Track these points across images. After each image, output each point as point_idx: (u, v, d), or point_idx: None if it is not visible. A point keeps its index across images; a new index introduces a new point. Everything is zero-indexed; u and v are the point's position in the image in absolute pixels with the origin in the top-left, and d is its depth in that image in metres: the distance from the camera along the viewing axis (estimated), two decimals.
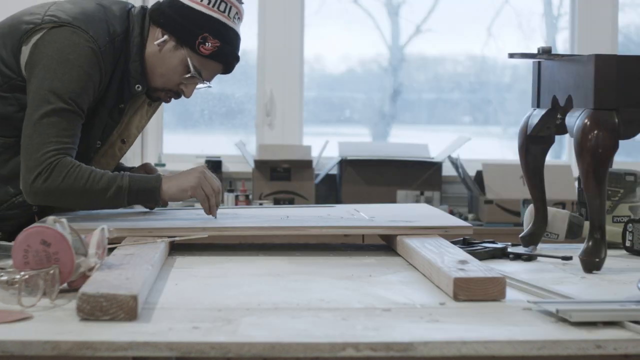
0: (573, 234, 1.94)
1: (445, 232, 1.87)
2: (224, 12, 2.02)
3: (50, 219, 1.43)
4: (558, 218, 1.94)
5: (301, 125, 4.72)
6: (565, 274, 1.68)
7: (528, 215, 1.98)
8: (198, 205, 2.02)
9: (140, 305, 1.27)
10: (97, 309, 1.24)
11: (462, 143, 4.40)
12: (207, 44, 2.01)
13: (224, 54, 2.04)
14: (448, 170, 4.52)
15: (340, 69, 5.09)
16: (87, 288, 1.27)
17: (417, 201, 4.36)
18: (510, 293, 1.45)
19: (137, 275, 1.38)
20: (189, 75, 2.04)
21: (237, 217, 2.06)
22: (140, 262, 1.51)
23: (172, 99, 2.11)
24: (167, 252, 1.79)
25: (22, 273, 1.34)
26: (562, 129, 1.83)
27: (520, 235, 1.96)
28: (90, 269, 1.41)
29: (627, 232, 1.89)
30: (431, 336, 1.19)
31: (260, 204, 4.12)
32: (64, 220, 1.42)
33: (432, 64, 5.05)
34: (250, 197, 4.28)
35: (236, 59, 2.07)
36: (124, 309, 1.24)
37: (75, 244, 1.40)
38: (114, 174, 1.94)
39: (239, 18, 2.06)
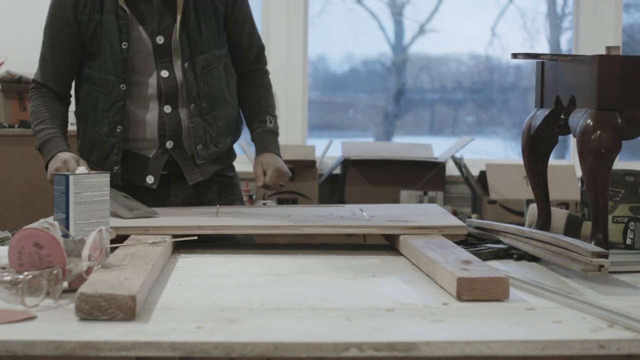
0: (572, 233, 1.94)
1: (439, 232, 1.88)
2: None
3: (42, 221, 1.43)
4: (556, 217, 1.94)
5: (305, 125, 4.72)
6: (568, 274, 1.68)
7: (530, 215, 1.98)
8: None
9: (139, 305, 1.27)
10: (95, 309, 1.24)
11: (466, 143, 4.40)
12: None
13: None
14: (451, 171, 4.52)
15: (343, 69, 5.09)
16: (86, 288, 1.27)
17: (421, 201, 4.36)
18: (514, 293, 1.45)
19: (137, 275, 1.38)
20: None
21: (238, 216, 2.06)
22: (141, 262, 1.51)
23: None
24: (170, 251, 1.79)
25: (26, 273, 1.34)
26: (566, 129, 1.83)
27: None
28: (87, 272, 1.41)
29: (629, 230, 1.89)
30: (434, 336, 1.19)
31: (264, 204, 4.12)
32: (55, 222, 1.43)
33: (435, 64, 5.05)
34: (254, 197, 4.28)
35: None
36: (122, 308, 1.24)
37: (68, 245, 1.40)
38: (43, 128, 2.32)
39: None
